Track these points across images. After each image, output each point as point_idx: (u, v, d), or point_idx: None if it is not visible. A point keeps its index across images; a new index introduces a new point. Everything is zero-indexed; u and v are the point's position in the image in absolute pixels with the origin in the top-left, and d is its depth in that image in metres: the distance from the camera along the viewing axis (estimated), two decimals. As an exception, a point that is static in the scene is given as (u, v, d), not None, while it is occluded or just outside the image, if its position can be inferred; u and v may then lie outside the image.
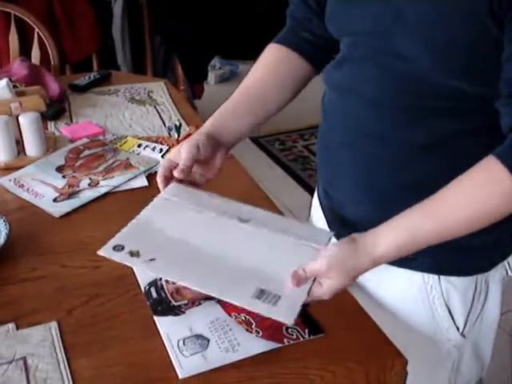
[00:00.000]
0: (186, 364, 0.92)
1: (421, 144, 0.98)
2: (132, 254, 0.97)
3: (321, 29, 1.13)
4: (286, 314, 0.88)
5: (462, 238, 0.97)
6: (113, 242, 0.99)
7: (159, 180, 1.08)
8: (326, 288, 0.91)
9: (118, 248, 0.98)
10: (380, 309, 1.12)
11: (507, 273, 1.11)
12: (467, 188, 0.89)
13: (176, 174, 1.06)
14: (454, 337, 1.10)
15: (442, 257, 1.03)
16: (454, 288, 1.06)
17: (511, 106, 0.87)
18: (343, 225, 1.12)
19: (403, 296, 1.10)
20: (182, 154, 1.06)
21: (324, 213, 1.20)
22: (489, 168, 0.88)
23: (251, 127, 1.18)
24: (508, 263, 1.10)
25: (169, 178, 1.08)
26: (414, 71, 0.93)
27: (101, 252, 0.98)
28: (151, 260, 0.96)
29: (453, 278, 1.05)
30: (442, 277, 1.05)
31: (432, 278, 1.06)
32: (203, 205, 1.07)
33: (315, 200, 1.28)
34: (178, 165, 1.06)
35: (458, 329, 1.09)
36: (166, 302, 1.04)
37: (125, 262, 0.97)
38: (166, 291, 1.06)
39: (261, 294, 0.90)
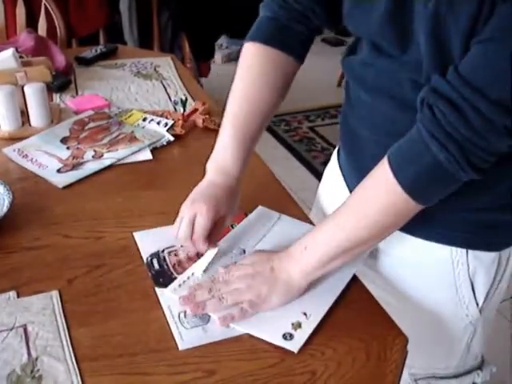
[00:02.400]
0: (186, 336, 0.92)
1: None
2: None
3: (320, 19, 1.09)
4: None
5: (488, 215, 1.00)
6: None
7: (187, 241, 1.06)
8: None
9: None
10: (398, 289, 1.11)
11: None
12: (368, 191, 0.94)
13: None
14: (472, 313, 1.09)
15: (471, 230, 1.03)
16: (481, 263, 1.05)
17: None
18: None
19: (427, 271, 1.08)
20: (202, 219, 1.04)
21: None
22: (381, 168, 0.91)
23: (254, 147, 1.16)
24: None
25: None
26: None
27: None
28: None
29: (480, 253, 1.04)
30: (469, 251, 1.04)
31: (460, 253, 1.04)
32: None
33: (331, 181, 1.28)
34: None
35: (477, 305, 1.09)
36: (168, 274, 1.04)
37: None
38: (168, 263, 1.06)
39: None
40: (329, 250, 0.96)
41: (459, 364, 1.18)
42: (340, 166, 1.23)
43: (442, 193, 0.91)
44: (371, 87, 1.02)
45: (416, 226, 0.97)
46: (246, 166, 1.12)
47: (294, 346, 0.91)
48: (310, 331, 0.93)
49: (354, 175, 1.12)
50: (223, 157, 1.12)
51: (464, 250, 1.04)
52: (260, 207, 1.21)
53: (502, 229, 1.04)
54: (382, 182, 0.91)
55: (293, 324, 0.94)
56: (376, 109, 1.02)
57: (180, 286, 1.01)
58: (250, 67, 1.13)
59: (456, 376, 1.19)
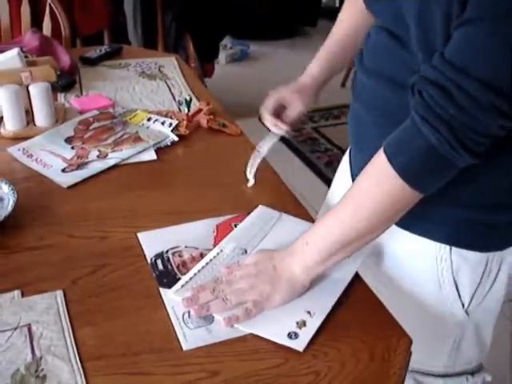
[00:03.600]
0: (190, 336, 0.92)
1: None
2: None
3: None
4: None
5: (477, 214, 1.01)
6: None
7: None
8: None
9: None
10: (385, 275, 1.12)
11: None
12: (365, 182, 0.96)
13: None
14: (458, 313, 1.10)
15: (456, 228, 1.04)
16: (465, 262, 1.06)
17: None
18: None
19: (412, 263, 1.10)
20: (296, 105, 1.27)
21: None
22: (377, 158, 0.93)
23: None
24: None
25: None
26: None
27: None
28: None
29: (464, 252, 1.05)
30: (454, 249, 1.05)
31: (444, 249, 1.05)
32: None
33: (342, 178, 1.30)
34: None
35: (463, 305, 1.09)
36: (172, 275, 1.04)
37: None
38: (173, 263, 1.06)
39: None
40: (329, 244, 0.97)
41: (447, 364, 1.18)
42: (350, 163, 1.25)
43: (438, 180, 0.91)
44: (372, 70, 1.06)
45: (403, 219, 0.98)
46: (328, 73, 1.31)
47: (299, 344, 0.91)
48: (314, 329, 0.93)
49: (360, 165, 1.13)
50: (312, 64, 1.31)
51: (448, 247, 1.05)
52: (260, 206, 1.21)
53: (489, 231, 1.05)
54: (378, 170, 0.93)
55: (297, 323, 0.94)
56: (376, 91, 1.05)
57: (183, 286, 1.01)
58: (352, 15, 1.28)
59: (443, 376, 1.19)
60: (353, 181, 1.20)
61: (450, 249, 1.05)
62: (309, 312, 0.96)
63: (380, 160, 0.92)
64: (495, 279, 1.09)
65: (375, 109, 1.06)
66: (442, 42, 0.85)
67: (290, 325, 0.94)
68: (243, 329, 0.94)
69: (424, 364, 1.17)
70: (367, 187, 0.95)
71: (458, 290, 1.08)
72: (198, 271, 1.04)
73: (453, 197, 0.98)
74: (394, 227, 1.05)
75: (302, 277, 0.99)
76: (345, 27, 1.29)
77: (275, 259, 1.01)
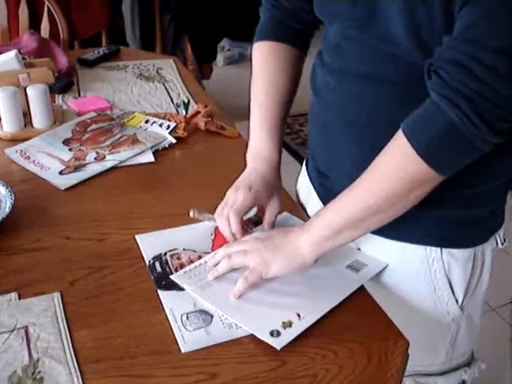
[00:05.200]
0: (188, 338, 0.92)
1: None
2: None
3: (311, 15, 1.12)
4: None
5: (460, 211, 1.03)
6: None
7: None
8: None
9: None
10: (379, 285, 1.12)
11: (497, 244, 1.11)
12: (382, 160, 0.93)
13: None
14: (453, 310, 1.11)
15: (444, 229, 1.05)
16: (456, 260, 1.06)
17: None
18: None
19: (404, 271, 1.10)
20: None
21: (318, 193, 1.21)
22: (395, 139, 0.91)
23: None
24: (498, 235, 1.11)
25: None
26: (401, 53, 0.93)
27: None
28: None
29: (454, 251, 1.06)
30: (444, 249, 1.05)
31: (434, 251, 1.06)
32: None
33: (303, 180, 1.30)
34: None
35: (457, 301, 1.10)
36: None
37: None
38: (171, 266, 1.06)
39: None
40: (340, 219, 0.97)
41: (445, 361, 1.18)
42: (306, 164, 1.28)
43: (456, 161, 0.90)
44: (338, 69, 1.05)
45: (389, 228, 0.98)
46: (281, 150, 1.21)
47: (278, 342, 0.90)
48: (298, 332, 0.93)
49: (325, 162, 1.17)
50: (259, 146, 1.20)
51: (438, 249, 1.05)
52: (285, 213, 1.22)
53: (474, 226, 1.06)
54: (396, 149, 0.91)
55: (284, 323, 0.94)
56: (344, 91, 1.04)
57: (185, 273, 1.03)
58: (266, 63, 1.22)
59: (442, 373, 1.19)
60: (313, 184, 1.23)
61: (441, 250, 1.06)
62: (298, 315, 0.96)
63: (398, 140, 0.90)
64: (482, 269, 1.10)
65: (342, 108, 1.05)
66: (444, 26, 0.84)
67: (275, 323, 0.94)
68: (230, 318, 0.94)
69: (423, 365, 1.18)
70: (384, 164, 0.93)
71: (451, 288, 1.08)
72: (205, 262, 1.06)
73: (439, 198, 0.97)
74: (383, 239, 1.07)
75: (306, 251, 0.99)
76: (263, 87, 1.22)
77: (287, 231, 1.03)
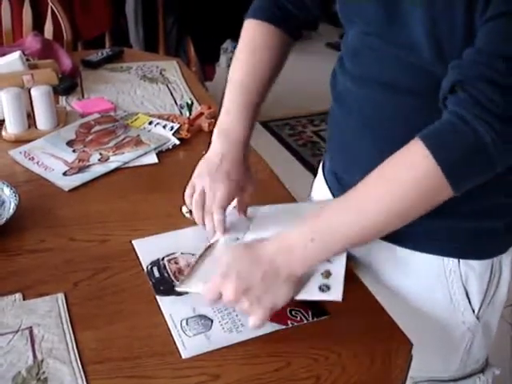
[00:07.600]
0: (189, 344, 0.91)
1: None
2: None
3: (314, 4, 1.12)
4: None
5: (475, 223, 1.01)
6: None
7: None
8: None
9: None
10: (394, 295, 1.11)
11: None
12: (393, 171, 0.89)
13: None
14: (469, 319, 1.10)
15: (462, 240, 1.04)
16: (473, 271, 1.05)
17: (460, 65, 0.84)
18: None
19: (420, 280, 1.08)
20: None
21: (334, 196, 1.20)
22: (409, 150, 0.87)
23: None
24: None
25: None
26: (419, 62, 0.92)
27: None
28: None
29: (472, 262, 1.05)
30: (461, 260, 1.05)
31: (452, 262, 1.05)
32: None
33: (318, 184, 1.28)
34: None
35: (473, 311, 1.09)
36: (169, 282, 1.03)
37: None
38: (169, 271, 1.06)
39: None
40: (343, 239, 0.91)
41: (459, 368, 1.18)
42: (323, 168, 1.25)
43: (475, 181, 0.87)
44: (359, 76, 1.04)
45: (406, 238, 0.97)
46: (251, 131, 1.15)
47: (334, 295, 0.90)
48: (342, 275, 0.92)
49: (344, 167, 1.14)
50: (228, 122, 1.15)
51: (456, 260, 1.05)
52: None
53: (490, 237, 1.05)
54: (413, 159, 0.86)
55: (322, 274, 0.93)
56: (364, 97, 1.03)
57: (186, 277, 1.01)
58: (252, 41, 1.19)
59: (456, 380, 1.19)
60: (330, 188, 1.20)
61: (458, 261, 1.05)
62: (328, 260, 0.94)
63: (418, 152, 0.85)
64: (499, 280, 1.09)
65: (362, 113, 1.05)
66: (463, 39, 0.83)
67: (315, 279, 0.93)
68: None
69: (437, 372, 1.18)
70: (396, 176, 0.88)
71: (468, 298, 1.08)
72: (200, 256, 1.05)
73: (456, 209, 0.96)
74: (401, 248, 1.06)
75: (300, 272, 0.93)
76: (247, 70, 1.20)
77: (267, 262, 0.92)
